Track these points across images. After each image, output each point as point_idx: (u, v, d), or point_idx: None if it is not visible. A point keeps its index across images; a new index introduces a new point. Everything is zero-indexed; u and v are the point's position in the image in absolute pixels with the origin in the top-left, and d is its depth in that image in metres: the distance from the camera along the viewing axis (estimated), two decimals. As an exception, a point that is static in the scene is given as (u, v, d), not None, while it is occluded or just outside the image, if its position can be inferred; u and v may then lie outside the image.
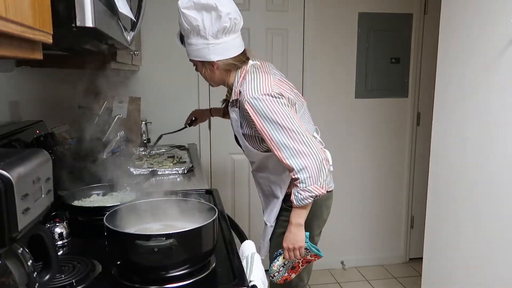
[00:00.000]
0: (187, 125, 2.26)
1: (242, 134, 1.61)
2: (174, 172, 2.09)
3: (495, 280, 1.71)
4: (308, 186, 1.46)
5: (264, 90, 1.47)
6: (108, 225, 1.04)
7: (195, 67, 1.65)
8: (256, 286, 1.05)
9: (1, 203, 0.64)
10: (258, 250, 1.70)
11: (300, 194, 1.48)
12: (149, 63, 2.80)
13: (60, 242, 1.26)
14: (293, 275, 1.66)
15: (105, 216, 1.08)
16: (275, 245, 1.72)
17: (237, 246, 1.24)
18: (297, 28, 2.98)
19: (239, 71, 1.58)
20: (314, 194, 1.47)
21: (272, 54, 2.98)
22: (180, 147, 2.62)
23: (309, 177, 1.45)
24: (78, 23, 0.79)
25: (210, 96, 2.95)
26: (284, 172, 1.60)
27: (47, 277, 0.83)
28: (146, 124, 2.72)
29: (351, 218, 3.34)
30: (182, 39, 1.59)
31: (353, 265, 3.36)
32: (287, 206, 1.65)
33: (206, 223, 1.05)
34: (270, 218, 1.72)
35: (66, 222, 1.31)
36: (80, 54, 1.62)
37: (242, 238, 1.42)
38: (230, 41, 1.54)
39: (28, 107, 1.76)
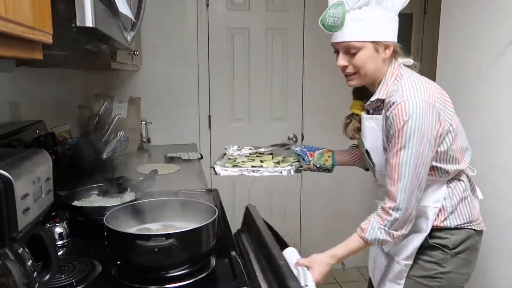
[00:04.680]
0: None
1: (384, 147, 1.30)
2: (276, 172, 1.58)
3: (495, 280, 1.71)
4: (393, 230, 1.23)
5: (426, 96, 1.20)
6: (108, 225, 1.04)
7: (347, 56, 1.27)
8: None
9: (1, 203, 0.64)
10: None
11: (381, 233, 1.23)
12: (149, 63, 2.80)
13: (60, 242, 1.26)
14: None
15: (105, 216, 1.08)
16: None
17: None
18: (297, 28, 2.98)
19: (392, 66, 1.29)
20: (390, 240, 1.24)
21: (272, 54, 2.98)
22: (284, 145, 2.00)
23: (400, 220, 1.22)
24: (78, 23, 0.79)
25: (210, 96, 2.95)
26: (432, 198, 1.31)
27: (47, 277, 0.83)
28: (146, 124, 2.72)
29: (351, 218, 3.33)
30: (325, 27, 1.31)
31: (353, 265, 3.36)
32: (434, 243, 1.31)
33: (206, 223, 1.05)
34: (404, 252, 1.33)
35: (66, 222, 1.31)
36: (80, 54, 1.62)
37: (282, 245, 1.24)
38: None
39: (28, 107, 1.76)
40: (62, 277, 1.04)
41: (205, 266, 1.10)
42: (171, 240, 0.96)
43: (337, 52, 1.30)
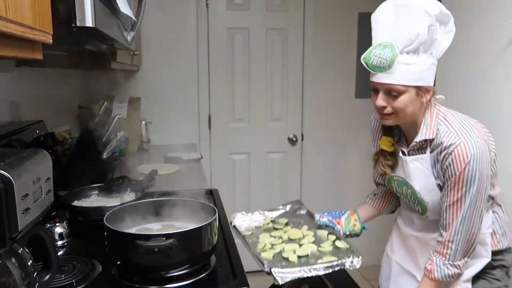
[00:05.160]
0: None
1: (438, 184, 1.28)
2: (339, 267, 1.26)
3: None
4: (457, 261, 1.25)
5: (478, 133, 1.21)
6: (108, 225, 1.04)
7: (388, 97, 1.25)
8: None
9: (1, 203, 0.64)
10: None
11: (448, 268, 1.25)
12: (149, 63, 2.80)
13: (60, 242, 1.26)
14: None
15: (105, 216, 1.08)
16: None
17: (237, 246, 1.24)
18: (297, 28, 2.98)
19: (430, 107, 1.28)
20: (459, 271, 1.27)
21: (272, 54, 2.98)
22: (293, 208, 1.69)
23: (460, 250, 1.25)
24: (78, 23, 0.79)
25: (210, 96, 2.95)
26: (485, 225, 1.32)
27: (47, 277, 0.83)
28: (146, 124, 2.72)
29: (351, 218, 3.33)
30: (368, 65, 1.28)
31: (353, 265, 3.36)
32: (494, 265, 1.36)
33: (206, 223, 1.05)
34: (464, 275, 1.33)
35: (66, 222, 1.31)
36: (80, 54, 1.62)
37: None
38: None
39: (28, 107, 1.76)
40: (62, 277, 1.04)
41: (205, 266, 1.10)
42: (171, 240, 0.96)
43: (375, 90, 1.29)
